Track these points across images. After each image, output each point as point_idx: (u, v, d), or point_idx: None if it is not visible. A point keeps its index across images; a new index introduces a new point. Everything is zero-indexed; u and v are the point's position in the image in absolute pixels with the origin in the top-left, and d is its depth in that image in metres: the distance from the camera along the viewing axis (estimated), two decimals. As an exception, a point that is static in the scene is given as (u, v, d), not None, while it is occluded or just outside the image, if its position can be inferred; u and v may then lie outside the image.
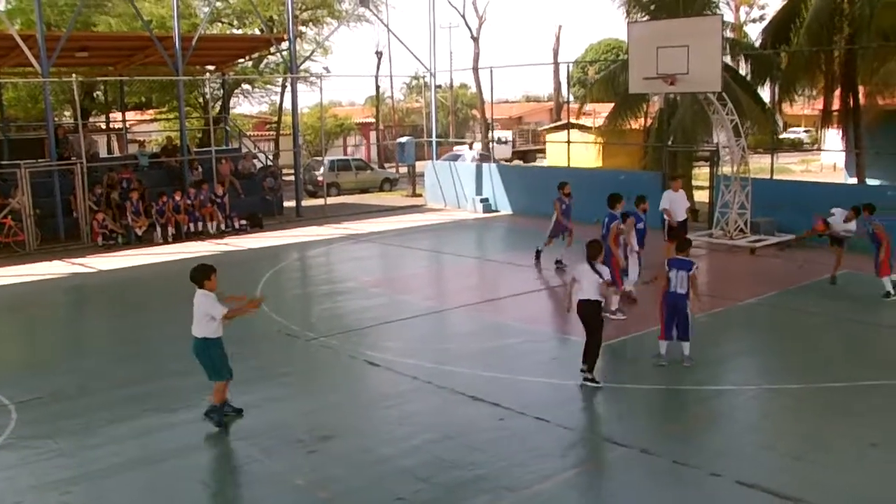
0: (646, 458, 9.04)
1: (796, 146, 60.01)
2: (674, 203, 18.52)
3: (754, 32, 55.66)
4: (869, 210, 16.18)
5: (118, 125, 38.60)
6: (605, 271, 11.30)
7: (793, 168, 47.08)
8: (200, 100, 42.85)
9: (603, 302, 11.67)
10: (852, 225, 16.41)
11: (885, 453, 9.03)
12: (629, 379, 11.81)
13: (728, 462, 8.86)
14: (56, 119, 31.55)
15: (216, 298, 10.00)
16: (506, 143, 61.18)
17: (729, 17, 36.43)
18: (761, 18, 50.05)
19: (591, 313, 11.27)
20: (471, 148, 47.16)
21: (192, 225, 25.73)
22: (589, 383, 11.26)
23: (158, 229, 25.03)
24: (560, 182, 19.96)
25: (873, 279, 15.81)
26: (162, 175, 28.91)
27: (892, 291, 15.67)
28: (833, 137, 32.01)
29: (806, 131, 61.09)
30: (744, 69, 28.52)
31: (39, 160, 25.38)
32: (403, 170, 42.83)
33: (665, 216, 18.45)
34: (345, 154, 57.87)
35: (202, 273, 10.09)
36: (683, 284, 11.70)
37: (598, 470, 9.00)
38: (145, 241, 24.71)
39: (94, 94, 41.26)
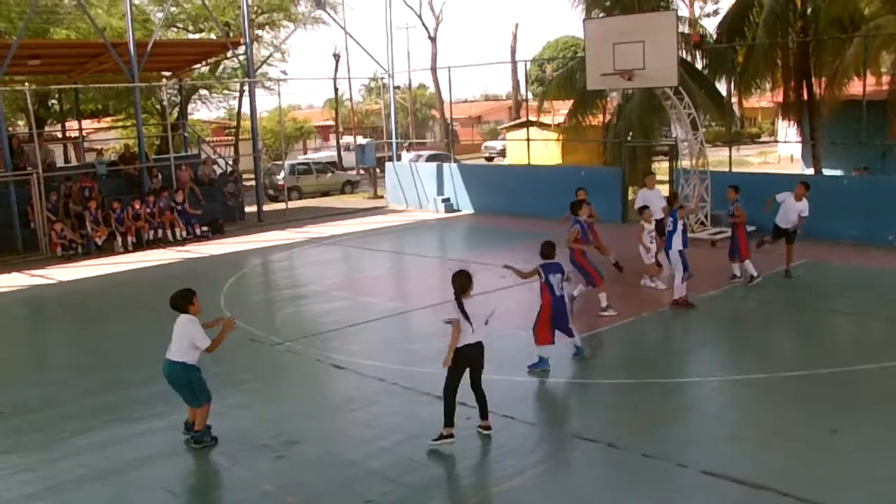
0: (613, 452, 9.09)
1: (754, 138, 60.67)
2: (649, 201, 17.51)
3: (710, 27, 56.19)
4: (735, 190, 16.58)
5: (75, 133, 38.19)
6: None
7: (751, 160, 47.56)
8: (158, 106, 42.51)
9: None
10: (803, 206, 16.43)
11: (845, 439, 9.15)
12: (593, 374, 11.87)
13: (694, 453, 8.94)
14: (10, 129, 31.18)
15: (200, 326, 9.76)
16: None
17: (684, 11, 36.70)
18: (715, 13, 50.63)
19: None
20: (408, 150, 46.57)
21: (152, 233, 25.51)
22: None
23: (119, 238, 24.79)
24: (577, 190, 16.74)
25: (832, 267, 16.03)
26: (121, 183, 28.61)
27: (755, 274, 16.10)
28: (789, 129, 32.42)
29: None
30: (700, 63, 28.79)
31: (-6, 171, 25.05)
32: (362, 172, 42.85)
33: (642, 218, 16.88)
34: (305, 155, 57.51)
35: (184, 299, 9.82)
36: (561, 287, 11.81)
37: (565, 466, 9.02)
38: (105, 250, 24.45)
39: (49, 103, 40.84)
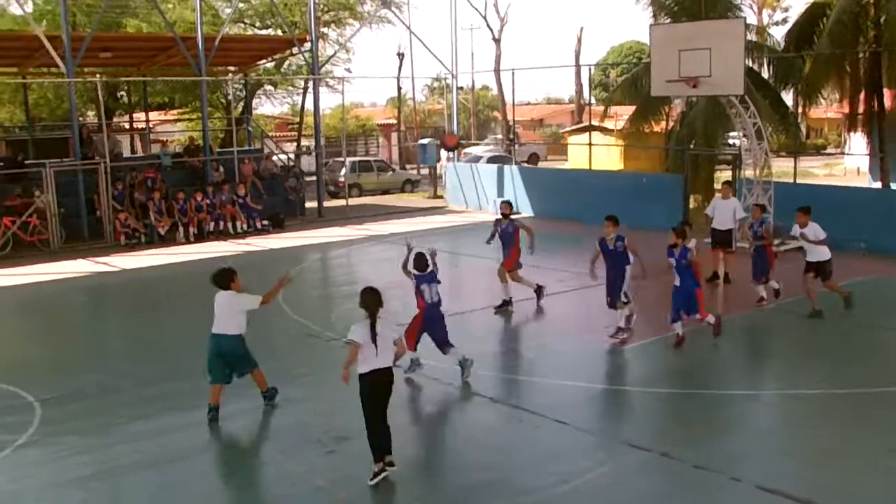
0: (666, 462, 9.01)
1: (819, 149, 59.61)
2: (717, 210, 17.49)
3: (778, 35, 55.38)
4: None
5: (141, 125, 38.86)
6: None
7: (816, 172, 46.74)
8: (223, 100, 43.07)
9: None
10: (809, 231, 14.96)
11: (905, 460, 8.97)
12: (645, 383, 11.77)
13: (748, 467, 8.82)
14: (80, 119, 31.84)
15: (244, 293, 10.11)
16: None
17: (752, 19, 36.28)
18: (784, 21, 49.88)
19: None
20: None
21: (213, 225, 25.87)
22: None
23: (181, 229, 25.19)
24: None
25: (891, 284, 15.65)
26: (184, 175, 29.07)
27: (777, 286, 15.66)
28: (857, 141, 31.78)
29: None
30: (766, 72, 28.36)
31: (64, 160, 25.60)
32: (425, 171, 42.92)
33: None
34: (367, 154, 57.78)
35: (226, 277, 10.20)
36: (435, 295, 11.88)
37: (618, 473, 8.97)
38: (168, 240, 24.86)
39: (118, 95, 41.59)
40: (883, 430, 9.78)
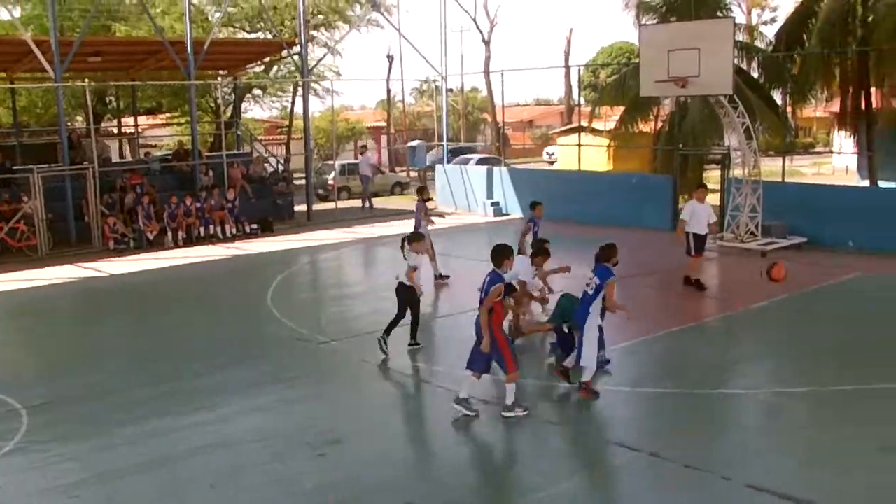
0: (656, 462, 8.99)
1: (808, 149, 59.78)
2: (697, 214, 16.95)
3: (768, 35, 55.58)
4: None
5: (130, 130, 38.78)
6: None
7: (804, 171, 46.88)
8: (212, 104, 43.02)
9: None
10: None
11: (894, 456, 8.97)
12: (633, 383, 11.75)
13: (738, 466, 8.81)
14: (69, 124, 31.74)
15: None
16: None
17: (741, 19, 36.36)
18: (773, 21, 50.01)
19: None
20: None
21: (202, 229, 25.80)
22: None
23: (170, 233, 25.11)
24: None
25: (885, 280, 15.70)
26: (173, 179, 29.00)
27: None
28: (845, 140, 31.92)
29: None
30: (756, 72, 28.44)
31: (52, 165, 25.49)
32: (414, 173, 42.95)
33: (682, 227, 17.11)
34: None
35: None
36: None
37: (608, 473, 8.95)
38: (156, 245, 24.78)
39: (107, 99, 41.51)
40: (873, 426, 9.78)
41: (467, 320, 15.09)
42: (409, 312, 13.13)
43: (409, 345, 13.18)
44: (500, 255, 10.33)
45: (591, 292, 10.83)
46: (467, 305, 16.06)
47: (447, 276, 18.15)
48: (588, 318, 10.81)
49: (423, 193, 19.42)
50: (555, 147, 61.63)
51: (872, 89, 27.16)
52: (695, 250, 16.76)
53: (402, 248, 13.44)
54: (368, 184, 35.04)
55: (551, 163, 58.19)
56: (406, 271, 12.91)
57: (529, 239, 15.73)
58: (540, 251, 13.76)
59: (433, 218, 18.87)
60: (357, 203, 34.72)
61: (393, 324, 13.06)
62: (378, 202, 37.08)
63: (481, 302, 10.20)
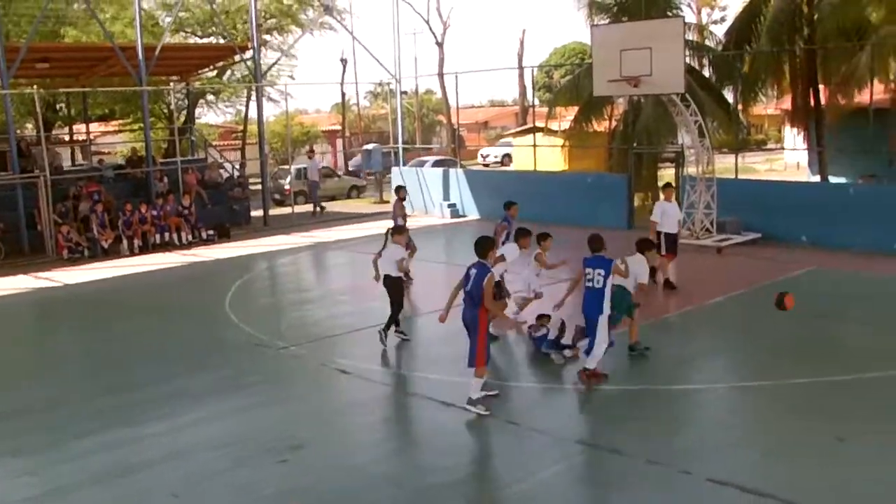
0: (617, 459, 9.06)
1: (760, 145, 60.54)
2: (668, 214, 16.99)
3: (717, 34, 56.23)
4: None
5: (83, 137, 38.28)
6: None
7: (757, 167, 47.46)
8: (165, 110, 42.59)
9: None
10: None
11: (852, 447, 9.13)
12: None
13: (699, 460, 8.91)
14: (18, 132, 31.22)
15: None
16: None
17: (691, 18, 36.75)
18: (722, 20, 50.61)
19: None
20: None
21: (158, 236, 25.55)
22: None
23: (125, 241, 24.82)
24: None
25: (838, 275, 15.94)
26: (127, 187, 28.67)
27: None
28: (796, 136, 32.39)
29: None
30: (707, 70, 28.78)
31: (1, 174, 25.10)
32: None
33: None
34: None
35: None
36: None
37: (569, 472, 9.00)
38: (112, 253, 24.48)
39: (57, 107, 40.91)
40: (832, 418, 9.93)
41: (424, 323, 15.21)
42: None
43: (383, 331, 13.52)
44: (485, 246, 10.67)
45: (598, 285, 11.12)
46: (424, 308, 16.18)
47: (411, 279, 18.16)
48: (603, 309, 11.17)
49: (402, 192, 19.86)
50: (489, 149, 61.75)
51: (821, 86, 27.61)
52: (666, 250, 16.86)
53: (385, 240, 13.95)
54: (317, 189, 34.88)
55: (486, 165, 58.32)
56: (394, 263, 13.52)
57: (503, 240, 15.79)
58: (543, 235, 13.99)
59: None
60: (312, 207, 34.56)
61: (392, 316, 13.62)
62: (335, 206, 37.02)
63: (470, 294, 10.41)
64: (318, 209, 33.64)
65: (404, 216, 19.07)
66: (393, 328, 13.72)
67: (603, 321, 11.19)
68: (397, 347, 13.83)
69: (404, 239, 14.43)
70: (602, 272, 11.11)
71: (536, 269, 14.13)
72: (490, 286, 10.23)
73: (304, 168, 37.84)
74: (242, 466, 9.23)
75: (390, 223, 18.00)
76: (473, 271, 10.43)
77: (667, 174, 29.41)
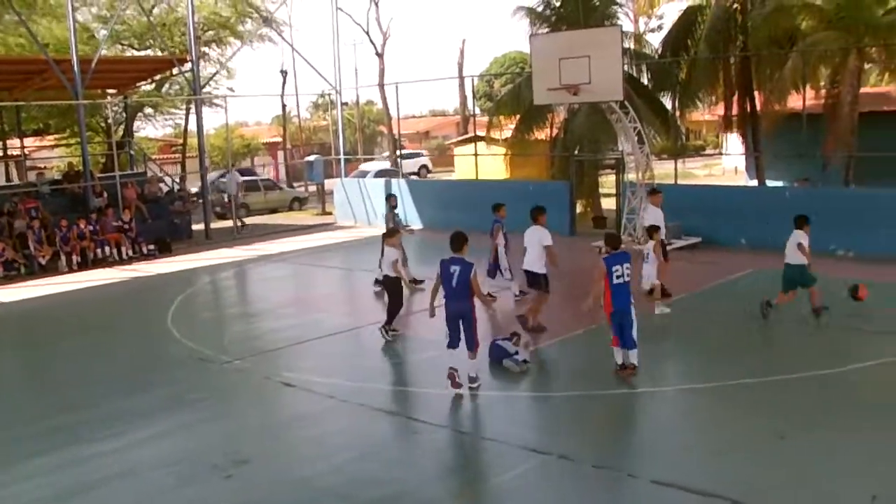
0: (565, 464, 9.11)
1: (699, 151, 61.47)
2: (659, 221, 16.73)
3: (654, 42, 56.97)
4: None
5: (17, 152, 37.54)
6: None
7: (696, 173, 48.17)
8: (103, 124, 41.96)
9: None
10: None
11: (793, 444, 9.28)
12: (544, 387, 11.92)
13: (645, 463, 9.01)
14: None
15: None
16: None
17: (628, 27, 37.16)
18: (659, 28, 51.29)
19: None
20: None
21: (98, 252, 25.15)
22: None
23: (63, 258, 24.39)
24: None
25: (778, 276, 16.11)
26: (65, 202, 28.19)
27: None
28: (734, 141, 32.98)
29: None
30: (645, 78, 29.13)
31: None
32: (313, 188, 42.66)
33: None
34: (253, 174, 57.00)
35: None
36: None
37: (516, 479, 9.01)
38: (49, 270, 24.04)
39: (-11, 121, 40.07)
40: (772, 417, 10.10)
41: (369, 334, 15.14)
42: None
43: (383, 328, 14.48)
44: (461, 241, 11.42)
45: (627, 279, 11.79)
46: (366, 319, 16.11)
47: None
48: (632, 301, 11.94)
49: (392, 200, 20.24)
50: (374, 164, 61.24)
51: (756, 93, 28.12)
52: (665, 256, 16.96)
53: (382, 244, 15.48)
54: (237, 203, 32.82)
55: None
56: (390, 265, 14.53)
57: (501, 241, 16.75)
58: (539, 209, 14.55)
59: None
60: (260, 219, 34.21)
61: (391, 314, 14.58)
62: (277, 218, 36.80)
63: (454, 289, 11.22)
64: (239, 225, 31.85)
65: (395, 223, 19.25)
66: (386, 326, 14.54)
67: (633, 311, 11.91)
68: (341, 359, 13.78)
69: (397, 241, 15.04)
70: (629, 267, 11.75)
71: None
72: (477, 281, 11.28)
73: (222, 180, 36.86)
74: (191, 484, 9.11)
75: (331, 234, 18.02)
76: (455, 268, 11.12)
77: (608, 181, 29.68)
